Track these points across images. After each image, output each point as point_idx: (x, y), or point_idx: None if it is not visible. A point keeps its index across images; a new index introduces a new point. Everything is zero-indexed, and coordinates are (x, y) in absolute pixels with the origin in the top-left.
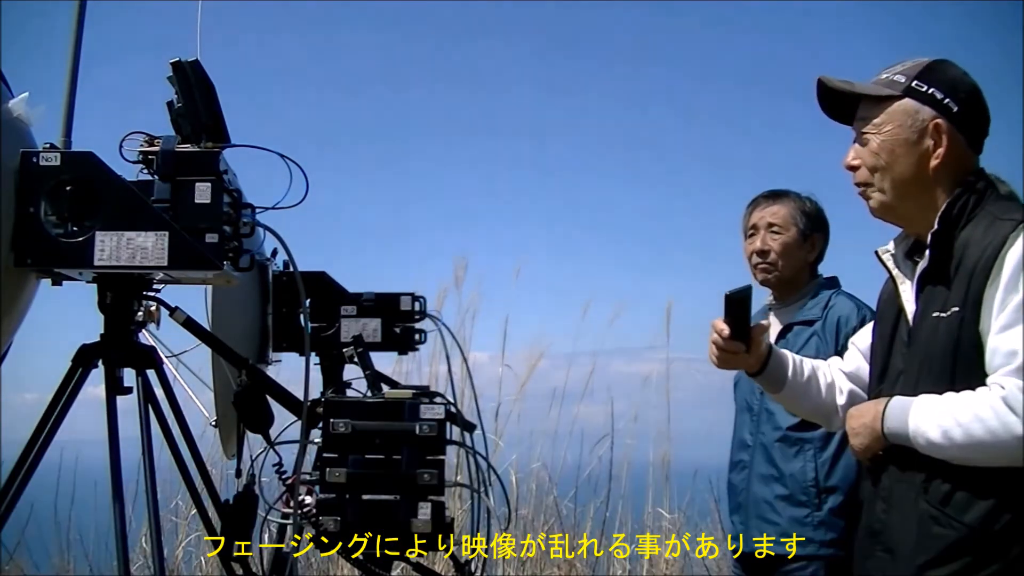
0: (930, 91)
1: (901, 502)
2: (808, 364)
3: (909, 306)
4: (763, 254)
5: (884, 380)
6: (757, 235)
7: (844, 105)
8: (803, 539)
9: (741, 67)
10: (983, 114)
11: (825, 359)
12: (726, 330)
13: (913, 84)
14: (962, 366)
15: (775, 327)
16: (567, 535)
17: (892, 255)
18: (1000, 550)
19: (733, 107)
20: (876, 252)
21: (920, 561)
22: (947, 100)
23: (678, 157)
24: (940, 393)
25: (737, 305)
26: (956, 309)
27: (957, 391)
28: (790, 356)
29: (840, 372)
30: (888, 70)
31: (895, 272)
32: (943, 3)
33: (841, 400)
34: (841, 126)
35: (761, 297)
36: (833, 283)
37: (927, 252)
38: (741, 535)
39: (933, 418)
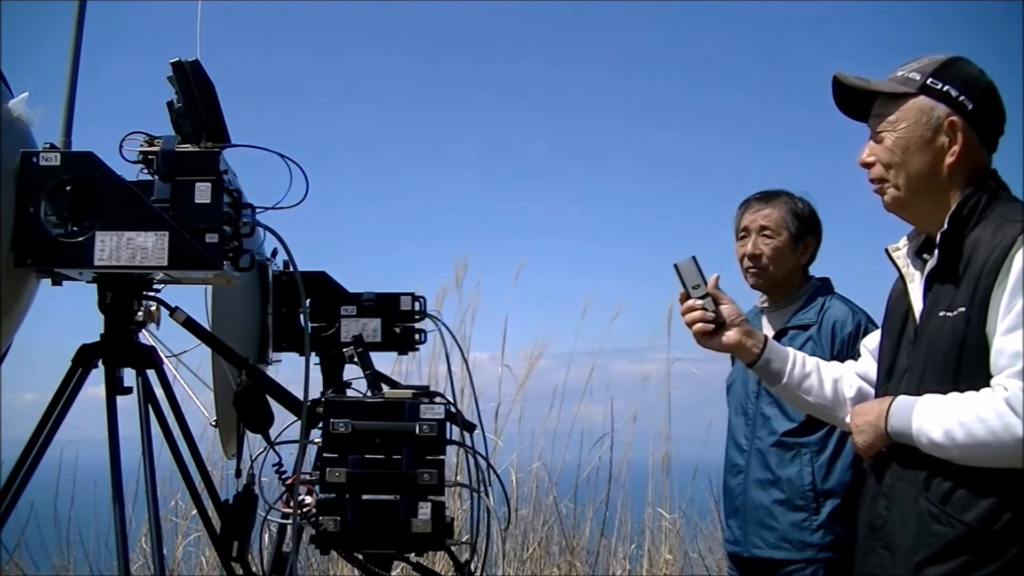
0: (945, 88)
1: (902, 499)
2: (812, 360)
3: (917, 304)
4: (754, 258)
5: (891, 378)
6: (748, 238)
7: (859, 102)
8: (801, 543)
9: (741, 68)
10: (998, 112)
11: None
12: (681, 291)
13: (928, 81)
14: (966, 366)
15: (768, 331)
16: (567, 535)
17: (902, 253)
18: (999, 549)
19: (734, 108)
20: (886, 249)
21: (919, 558)
22: (962, 98)
23: (680, 156)
24: (943, 392)
25: (685, 271)
26: (963, 309)
27: (961, 391)
28: (791, 351)
29: (852, 371)
30: (904, 67)
31: (905, 270)
32: (943, 3)
33: (850, 393)
34: (845, 128)
35: (752, 299)
36: (826, 285)
37: (936, 251)
38: (739, 539)
39: (936, 418)
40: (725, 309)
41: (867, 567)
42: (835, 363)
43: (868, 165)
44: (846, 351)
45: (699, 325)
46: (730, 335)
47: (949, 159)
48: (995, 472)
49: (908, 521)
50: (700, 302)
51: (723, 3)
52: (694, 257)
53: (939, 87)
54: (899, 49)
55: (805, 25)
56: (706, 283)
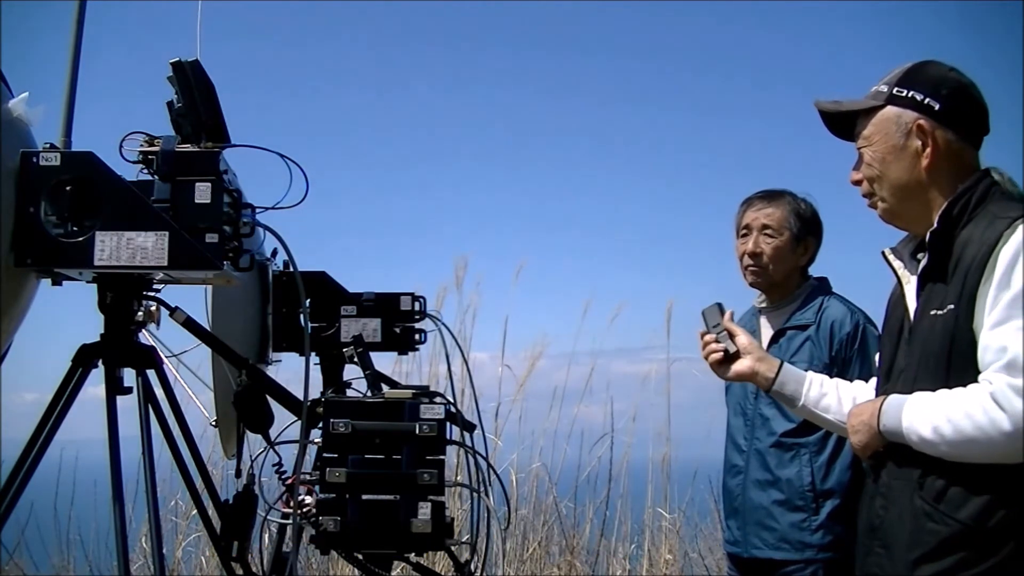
0: (910, 94)
1: (898, 498)
2: (830, 381)
3: (912, 305)
4: (755, 256)
5: (889, 379)
6: (750, 236)
7: (844, 125)
8: (801, 543)
9: (745, 65)
10: (973, 107)
11: (819, 364)
12: (703, 330)
13: (894, 91)
14: (957, 363)
15: (767, 331)
16: (567, 535)
17: (898, 255)
18: (993, 547)
19: (735, 107)
20: (883, 252)
21: (914, 556)
22: (927, 100)
23: (680, 157)
24: (936, 390)
25: (709, 314)
26: (952, 307)
27: (952, 388)
28: (807, 373)
29: (871, 389)
30: (879, 82)
31: (901, 272)
32: (944, 3)
33: None
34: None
35: (749, 297)
36: (824, 285)
37: (927, 251)
38: (739, 539)
39: (925, 415)
40: (739, 340)
41: (867, 567)
42: (859, 382)
43: (857, 183)
44: (844, 351)
45: (713, 356)
46: (743, 362)
47: (924, 161)
48: (988, 469)
49: (903, 520)
50: (715, 335)
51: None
52: (719, 304)
53: (904, 94)
54: (901, 48)
55: (807, 23)
56: (726, 326)
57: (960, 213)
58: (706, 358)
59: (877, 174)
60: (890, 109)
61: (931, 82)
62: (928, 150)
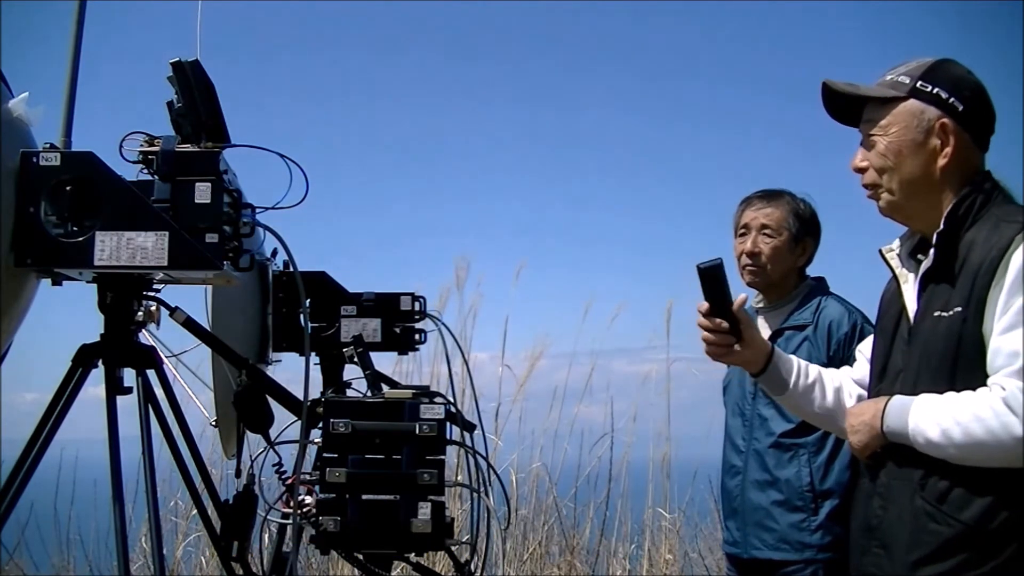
0: (935, 91)
1: (898, 498)
2: (814, 368)
3: (911, 304)
4: (753, 256)
5: (884, 378)
6: (748, 236)
7: (849, 108)
8: (800, 544)
9: (743, 69)
10: (988, 112)
11: (817, 364)
12: (705, 305)
13: (918, 84)
14: (962, 366)
15: (764, 331)
16: (567, 535)
17: (896, 253)
18: (995, 548)
19: (735, 109)
20: (880, 251)
21: (914, 557)
22: (952, 99)
23: (680, 159)
24: (939, 392)
25: (710, 279)
26: (959, 309)
27: (956, 391)
28: (794, 359)
29: (850, 379)
30: (892, 71)
31: (899, 271)
32: (944, 3)
33: (851, 403)
34: (840, 129)
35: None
36: (822, 285)
37: (931, 251)
38: (738, 540)
39: (933, 417)
40: (746, 333)
41: (863, 567)
42: (836, 371)
43: (861, 170)
44: (842, 351)
45: (713, 349)
46: (740, 351)
47: (942, 161)
48: (991, 471)
49: (904, 520)
50: (719, 320)
51: (729, 2)
52: (721, 261)
53: (928, 89)
54: (900, 47)
55: (808, 23)
56: (731, 300)
57: (965, 214)
58: (704, 339)
59: (890, 165)
60: (913, 103)
61: (954, 81)
62: (948, 150)
